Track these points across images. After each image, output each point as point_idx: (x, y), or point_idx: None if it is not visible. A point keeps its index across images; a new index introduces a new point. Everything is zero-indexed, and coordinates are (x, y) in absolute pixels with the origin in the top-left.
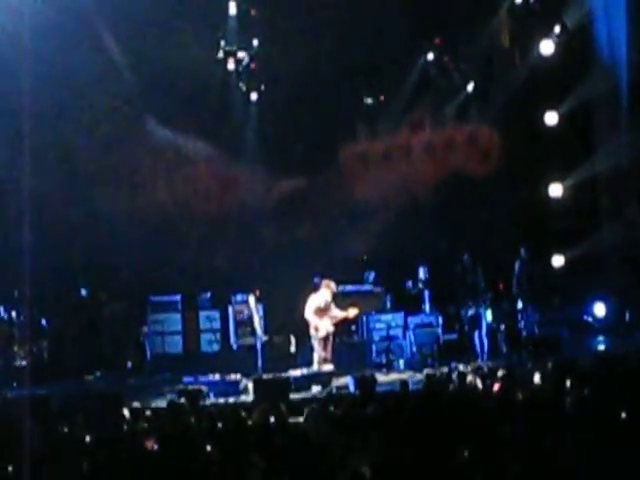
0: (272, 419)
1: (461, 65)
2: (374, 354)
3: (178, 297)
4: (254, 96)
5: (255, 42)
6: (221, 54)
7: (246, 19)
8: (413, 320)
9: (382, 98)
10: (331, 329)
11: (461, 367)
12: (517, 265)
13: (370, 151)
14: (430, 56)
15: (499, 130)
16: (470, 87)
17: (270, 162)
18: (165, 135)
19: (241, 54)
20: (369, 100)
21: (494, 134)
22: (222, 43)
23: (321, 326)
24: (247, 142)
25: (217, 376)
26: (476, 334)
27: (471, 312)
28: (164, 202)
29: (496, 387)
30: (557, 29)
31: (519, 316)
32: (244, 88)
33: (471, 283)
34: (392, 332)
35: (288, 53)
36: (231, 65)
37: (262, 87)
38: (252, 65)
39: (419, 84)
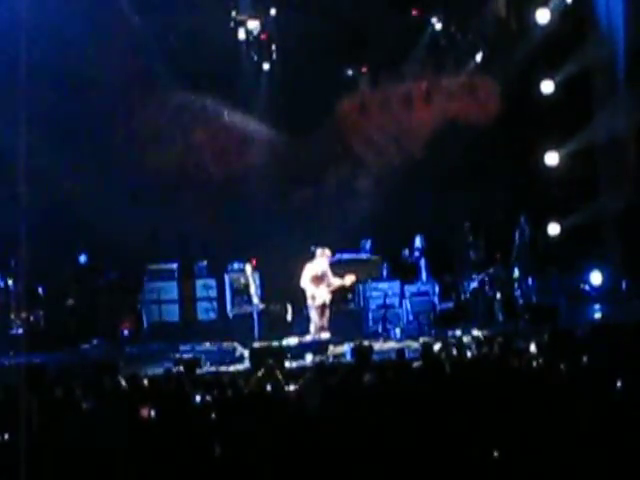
0: (268, 387)
1: (468, 35)
2: (370, 322)
3: (174, 265)
4: (266, 66)
5: (268, 12)
6: (232, 24)
7: None
8: (409, 288)
9: (365, 70)
10: (328, 297)
11: (458, 335)
12: (517, 233)
13: (368, 101)
14: (438, 26)
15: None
16: (479, 57)
17: (277, 130)
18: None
19: (252, 24)
20: (350, 72)
21: (493, 83)
22: (233, 13)
23: (317, 294)
24: (256, 111)
25: (213, 344)
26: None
27: (476, 282)
28: (160, 171)
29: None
30: None
31: (515, 284)
32: (255, 58)
33: (472, 252)
34: (388, 300)
35: (300, 23)
36: (242, 35)
37: (274, 56)
38: (262, 35)
39: (427, 53)
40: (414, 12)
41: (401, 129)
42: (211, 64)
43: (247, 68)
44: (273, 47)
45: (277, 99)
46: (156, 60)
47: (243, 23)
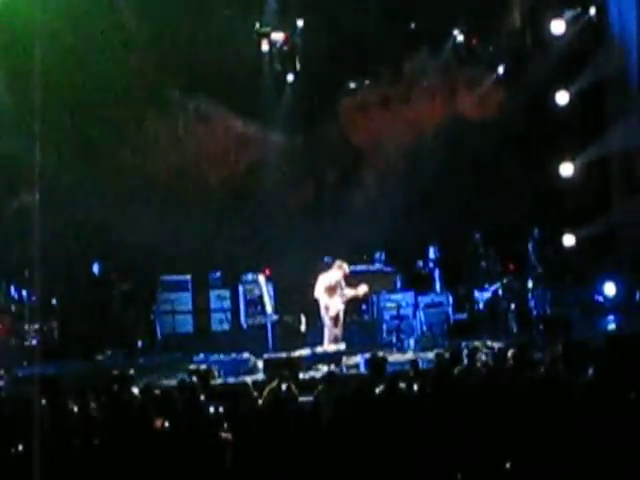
0: (282, 398)
1: (489, 47)
2: (384, 333)
3: (188, 276)
4: (290, 77)
5: (293, 23)
6: (255, 36)
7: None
8: (423, 299)
9: (380, 80)
10: (342, 308)
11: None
12: (530, 245)
13: (382, 112)
14: (460, 38)
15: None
16: (501, 69)
17: (293, 141)
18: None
19: (276, 35)
20: (352, 84)
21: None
22: (257, 25)
23: (331, 305)
24: (278, 123)
25: (227, 355)
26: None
27: (489, 293)
28: (174, 182)
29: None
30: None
31: (529, 295)
32: (279, 69)
33: (485, 262)
34: (402, 311)
35: (324, 33)
36: (265, 46)
37: (297, 67)
38: (286, 47)
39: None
40: (412, 26)
41: (414, 139)
42: (234, 75)
43: (270, 79)
44: (297, 58)
45: (298, 110)
46: (177, 71)
47: (267, 35)
